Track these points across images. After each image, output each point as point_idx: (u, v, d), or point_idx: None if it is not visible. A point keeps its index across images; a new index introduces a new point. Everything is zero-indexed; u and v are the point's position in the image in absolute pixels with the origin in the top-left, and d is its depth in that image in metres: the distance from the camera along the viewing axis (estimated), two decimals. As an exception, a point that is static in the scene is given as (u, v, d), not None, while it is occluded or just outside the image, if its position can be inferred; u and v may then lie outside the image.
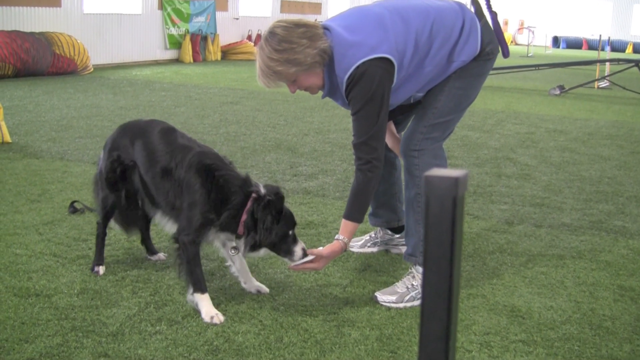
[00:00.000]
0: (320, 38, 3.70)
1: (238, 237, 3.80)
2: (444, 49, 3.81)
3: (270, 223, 3.71)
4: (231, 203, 3.74)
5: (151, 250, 4.54)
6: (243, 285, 4.07)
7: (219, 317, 3.68)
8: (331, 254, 3.85)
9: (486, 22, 3.98)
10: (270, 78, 3.77)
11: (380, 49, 3.66)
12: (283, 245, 3.78)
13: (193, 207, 3.75)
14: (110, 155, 4.14)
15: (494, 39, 3.96)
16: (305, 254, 3.78)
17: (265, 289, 4.05)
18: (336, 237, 3.90)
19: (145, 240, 4.53)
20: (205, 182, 3.75)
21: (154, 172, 3.94)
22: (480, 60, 3.92)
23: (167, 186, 3.88)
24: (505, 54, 4.13)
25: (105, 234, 4.34)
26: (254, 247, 3.77)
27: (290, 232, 3.79)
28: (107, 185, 4.18)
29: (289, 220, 3.79)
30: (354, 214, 3.88)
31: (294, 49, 3.66)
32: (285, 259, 3.86)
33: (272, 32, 3.72)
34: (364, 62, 3.65)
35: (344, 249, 3.90)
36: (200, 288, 3.76)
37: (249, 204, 3.72)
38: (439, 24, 3.79)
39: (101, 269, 4.24)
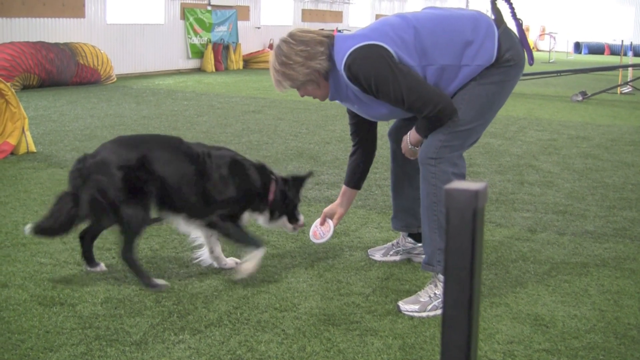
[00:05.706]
0: (317, 58, 3.91)
1: (262, 212, 4.50)
2: (451, 47, 3.82)
3: (293, 199, 4.57)
4: (260, 189, 4.43)
5: (92, 262, 4.44)
6: (225, 267, 4.53)
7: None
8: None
9: (506, 28, 3.93)
10: (275, 84, 4.11)
11: (371, 38, 3.81)
12: (293, 213, 4.61)
13: (232, 203, 4.31)
14: (115, 172, 4.03)
15: (514, 45, 3.92)
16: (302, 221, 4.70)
17: (239, 260, 4.50)
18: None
19: (88, 252, 4.41)
20: (239, 177, 4.35)
21: (181, 181, 4.19)
22: (501, 67, 3.89)
23: (198, 189, 4.23)
24: (530, 61, 4.11)
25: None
26: (275, 216, 4.53)
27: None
28: (128, 197, 4.06)
29: (299, 197, 4.67)
30: (424, 131, 4.02)
31: (290, 65, 3.93)
32: (290, 226, 4.63)
33: (278, 47, 3.99)
34: (355, 49, 3.79)
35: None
36: (258, 243, 4.35)
37: (273, 186, 4.46)
38: (445, 24, 3.86)
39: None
